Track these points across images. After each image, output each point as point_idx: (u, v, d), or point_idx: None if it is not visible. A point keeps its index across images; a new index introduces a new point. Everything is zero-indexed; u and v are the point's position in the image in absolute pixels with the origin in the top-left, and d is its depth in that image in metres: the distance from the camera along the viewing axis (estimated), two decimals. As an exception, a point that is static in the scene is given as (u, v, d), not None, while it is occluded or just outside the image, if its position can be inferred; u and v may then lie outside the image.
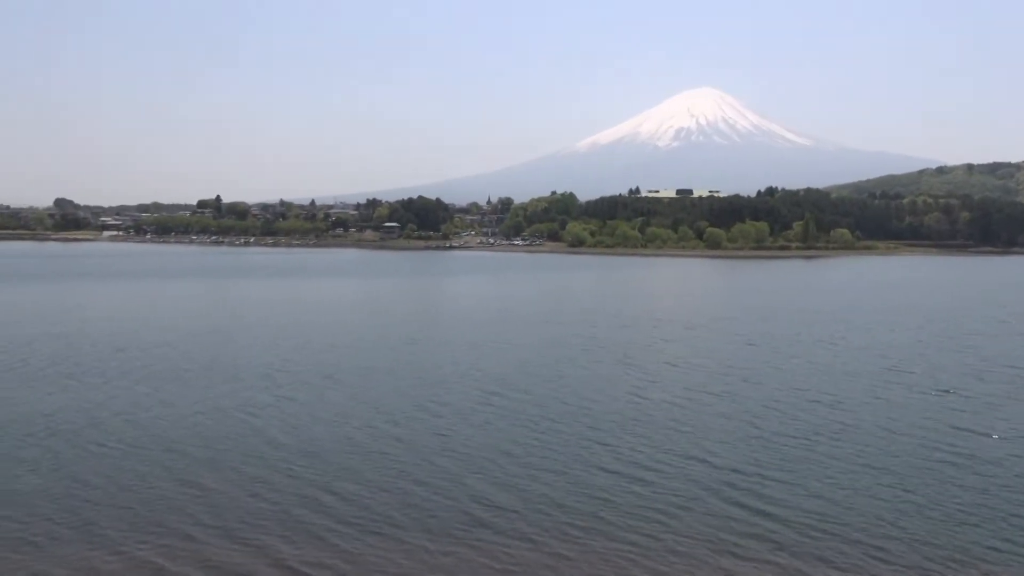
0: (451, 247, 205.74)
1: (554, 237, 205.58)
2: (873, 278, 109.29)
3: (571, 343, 44.43)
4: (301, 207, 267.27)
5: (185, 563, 15.86)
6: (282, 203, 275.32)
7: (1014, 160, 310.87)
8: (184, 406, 28.42)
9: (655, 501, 19.44)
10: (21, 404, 28.34)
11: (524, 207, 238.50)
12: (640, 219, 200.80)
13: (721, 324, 54.50)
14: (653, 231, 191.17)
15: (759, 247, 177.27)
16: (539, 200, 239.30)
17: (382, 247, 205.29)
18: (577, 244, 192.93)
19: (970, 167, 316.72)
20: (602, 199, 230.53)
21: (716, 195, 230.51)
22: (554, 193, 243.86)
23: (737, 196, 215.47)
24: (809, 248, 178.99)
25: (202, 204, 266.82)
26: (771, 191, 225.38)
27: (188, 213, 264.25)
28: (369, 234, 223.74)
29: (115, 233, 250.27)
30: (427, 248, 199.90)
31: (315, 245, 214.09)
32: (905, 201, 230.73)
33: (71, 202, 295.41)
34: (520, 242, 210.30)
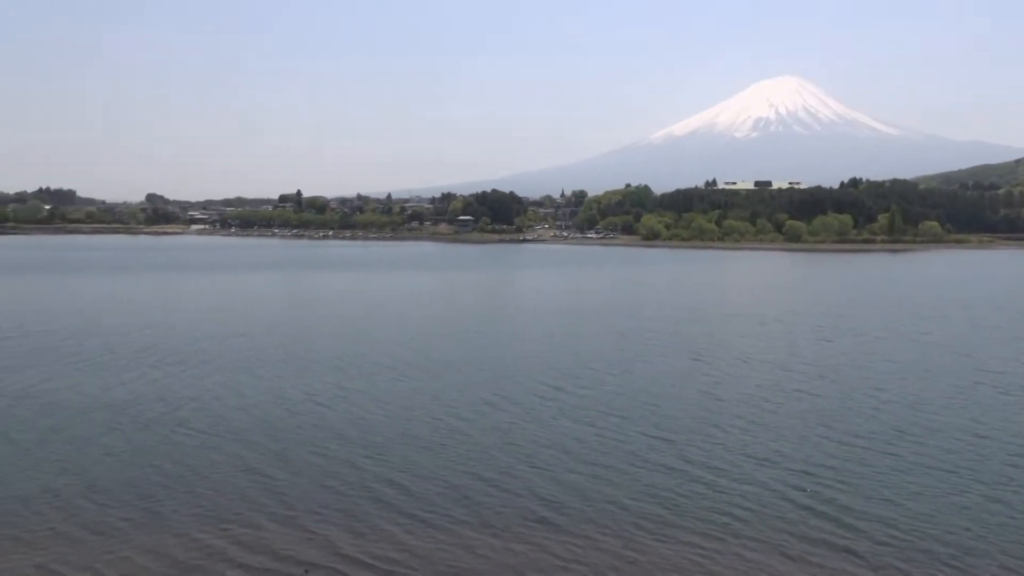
0: (525, 240, 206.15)
1: (628, 230, 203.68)
2: (963, 273, 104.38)
3: (642, 338, 43.83)
4: (378, 201, 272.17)
5: (252, 551, 16.17)
6: (359, 197, 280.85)
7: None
8: (257, 396, 29.16)
9: (722, 502, 18.88)
10: (106, 391, 29.54)
11: (598, 200, 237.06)
12: (717, 212, 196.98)
13: (799, 319, 52.89)
14: (730, 224, 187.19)
15: (842, 240, 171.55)
16: (613, 193, 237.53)
17: (456, 240, 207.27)
18: (652, 237, 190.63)
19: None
20: (677, 191, 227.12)
21: (796, 187, 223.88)
22: (628, 186, 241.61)
23: (819, 188, 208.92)
24: (895, 241, 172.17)
25: (283, 199, 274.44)
26: (855, 182, 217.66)
27: (270, 207, 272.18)
28: (444, 227, 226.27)
29: (202, 227, 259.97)
30: (501, 241, 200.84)
31: (391, 238, 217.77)
32: (1000, 192, 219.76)
33: (161, 197, 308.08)
34: (594, 235, 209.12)
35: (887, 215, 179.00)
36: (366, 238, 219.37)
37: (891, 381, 32.31)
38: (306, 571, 15.35)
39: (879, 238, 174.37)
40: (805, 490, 19.57)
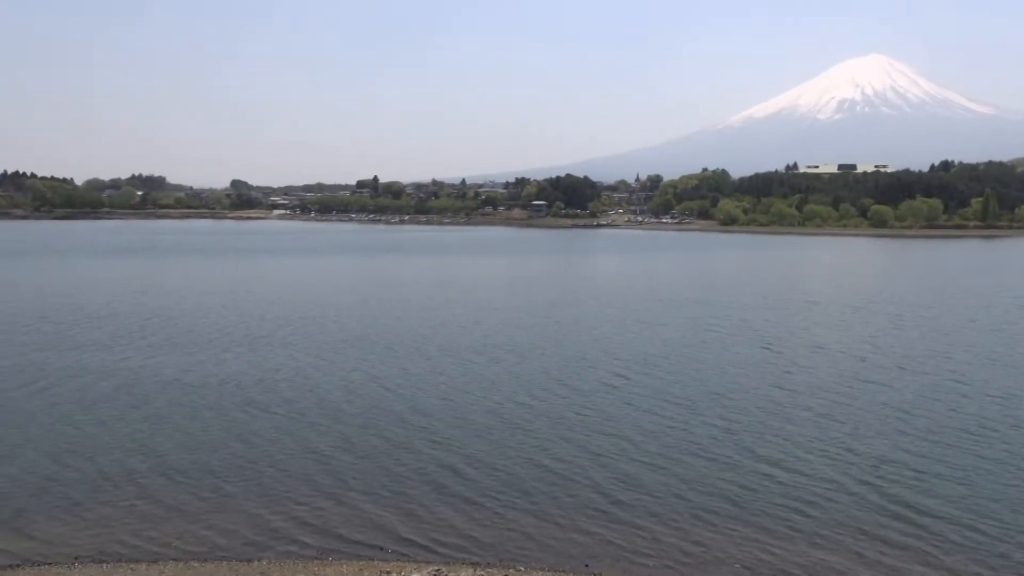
0: (598, 225, 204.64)
1: (705, 215, 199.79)
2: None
3: (713, 325, 42.92)
4: (452, 186, 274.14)
5: (316, 531, 16.50)
6: (434, 182, 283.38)
7: None
8: (341, 374, 29.87)
9: (794, 491, 18.29)
10: (183, 371, 30.63)
11: (674, 184, 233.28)
12: (797, 196, 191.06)
13: (882, 307, 50.88)
14: (811, 209, 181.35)
15: (931, 226, 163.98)
16: (689, 177, 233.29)
17: (530, 225, 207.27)
18: (729, 222, 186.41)
19: None
20: (756, 175, 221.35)
21: (883, 170, 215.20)
22: (705, 170, 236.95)
23: (906, 171, 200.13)
24: (989, 227, 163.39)
25: (361, 184, 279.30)
26: (946, 165, 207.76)
27: (348, 193, 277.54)
28: (517, 212, 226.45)
29: (283, 212, 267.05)
30: (574, 226, 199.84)
31: (465, 223, 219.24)
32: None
33: (245, 183, 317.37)
34: (669, 220, 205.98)
35: (981, 200, 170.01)
36: (440, 223, 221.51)
37: (975, 375, 30.74)
38: (387, 544, 15.65)
39: (972, 224, 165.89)
40: (878, 487, 18.74)
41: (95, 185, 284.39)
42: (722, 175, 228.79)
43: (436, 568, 14.48)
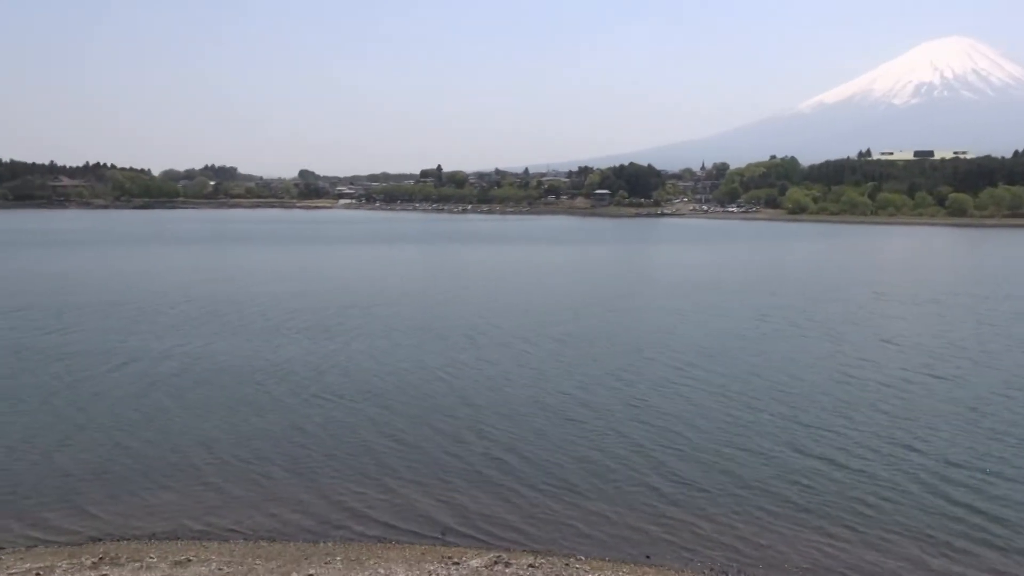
0: (662, 214, 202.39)
1: (772, 204, 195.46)
2: None
3: (780, 316, 42.09)
4: (515, 175, 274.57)
5: (385, 512, 16.85)
6: (497, 172, 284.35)
7: None
8: (395, 363, 30.28)
9: (855, 490, 17.84)
10: (259, 355, 31.60)
11: (740, 172, 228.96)
12: (870, 184, 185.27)
13: (958, 300, 49.05)
14: (885, 197, 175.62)
15: (1014, 215, 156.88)
16: (757, 165, 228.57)
17: (593, 214, 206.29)
18: (798, 211, 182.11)
19: None
20: (827, 163, 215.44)
21: (962, 156, 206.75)
22: (773, 157, 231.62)
23: (988, 157, 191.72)
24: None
25: (425, 174, 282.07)
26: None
27: (412, 182, 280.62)
28: (580, 201, 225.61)
29: (349, 201, 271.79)
30: (638, 215, 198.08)
31: (528, 212, 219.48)
32: None
33: (312, 173, 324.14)
34: (735, 209, 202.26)
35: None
36: (503, 212, 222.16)
37: (1059, 370, 29.44)
38: (443, 533, 15.95)
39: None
40: (944, 488, 18.06)
41: (171, 176, 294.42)
42: (791, 163, 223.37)
43: (496, 555, 14.66)
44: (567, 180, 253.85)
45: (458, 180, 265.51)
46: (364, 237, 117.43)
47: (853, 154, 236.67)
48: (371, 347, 33.23)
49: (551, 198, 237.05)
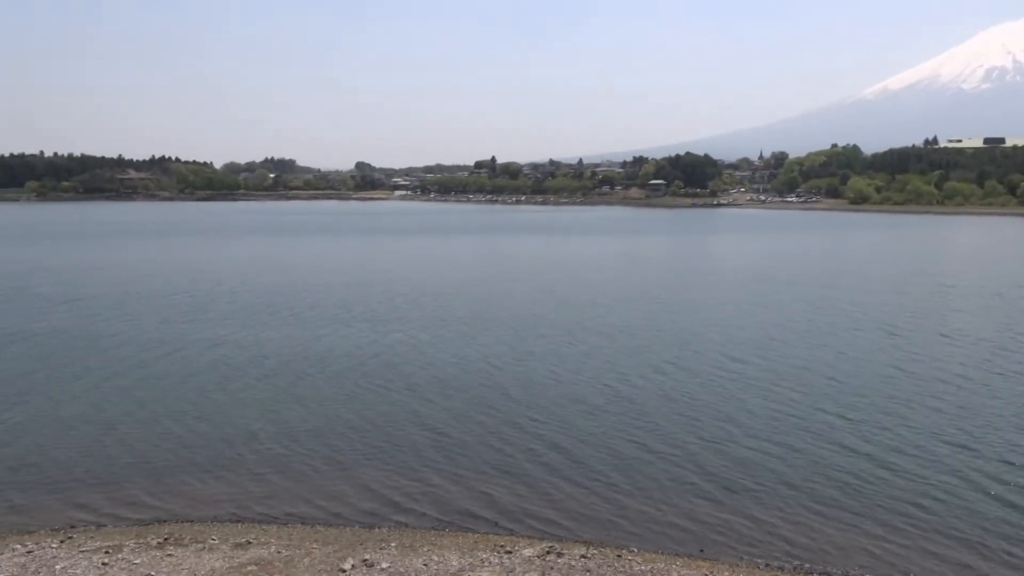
0: (719, 205, 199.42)
1: (833, 193, 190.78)
2: None
3: (836, 309, 41.16)
4: (569, 166, 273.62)
5: (421, 502, 17.12)
6: (551, 162, 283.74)
7: None
8: (436, 354, 30.54)
9: (907, 490, 17.35)
10: (305, 344, 32.25)
11: (800, 161, 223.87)
12: (936, 173, 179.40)
13: (1026, 293, 47.31)
14: (952, 186, 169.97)
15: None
16: (817, 154, 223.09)
17: (647, 205, 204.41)
18: (860, 201, 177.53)
19: None
20: (891, 151, 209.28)
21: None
22: (835, 146, 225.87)
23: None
24: None
25: (479, 165, 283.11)
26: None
27: (466, 173, 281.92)
28: (635, 192, 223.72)
29: (404, 193, 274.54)
30: (693, 206, 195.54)
31: (582, 203, 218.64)
32: None
33: (368, 165, 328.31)
34: (794, 199, 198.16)
35: None
36: (557, 203, 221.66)
37: None
38: (495, 522, 16.10)
39: None
40: (1007, 487, 17.52)
41: (232, 168, 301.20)
42: (853, 151, 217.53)
43: (549, 545, 14.75)
44: (621, 170, 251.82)
45: (512, 171, 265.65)
46: (417, 228, 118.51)
47: (919, 142, 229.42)
48: (415, 338, 33.60)
49: (605, 189, 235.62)
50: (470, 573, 13.38)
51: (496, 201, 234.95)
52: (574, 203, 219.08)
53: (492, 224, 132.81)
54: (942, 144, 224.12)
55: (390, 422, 22.34)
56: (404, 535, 15.39)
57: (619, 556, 14.32)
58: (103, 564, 13.63)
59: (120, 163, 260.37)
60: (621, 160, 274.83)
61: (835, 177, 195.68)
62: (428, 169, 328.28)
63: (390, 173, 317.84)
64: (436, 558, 14.03)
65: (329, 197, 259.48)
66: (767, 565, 14.33)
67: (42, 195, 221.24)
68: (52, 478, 18.31)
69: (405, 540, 15.05)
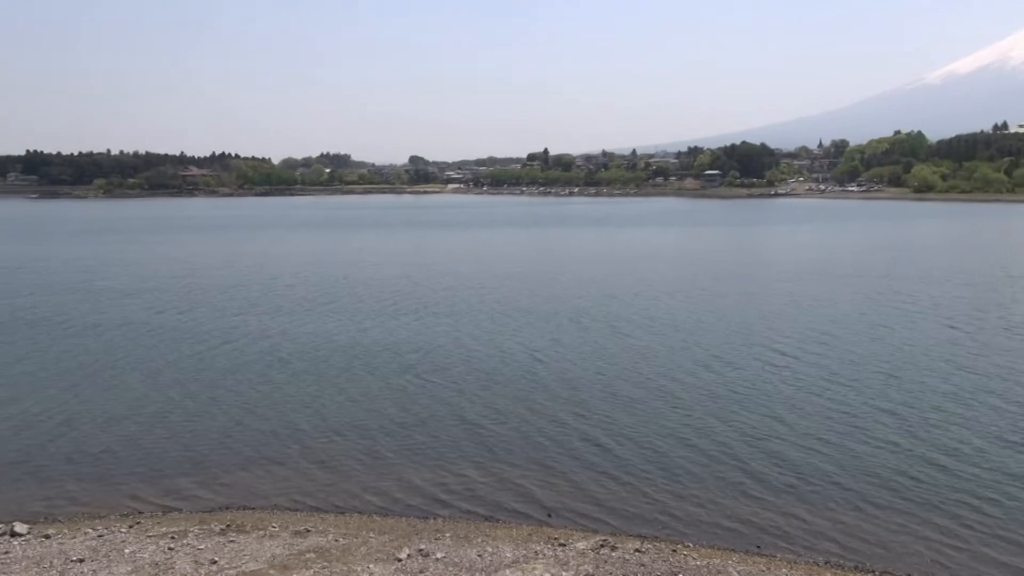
0: (776, 195, 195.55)
1: (896, 182, 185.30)
2: None
3: (899, 300, 40.00)
4: (622, 157, 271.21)
5: (502, 489, 17.31)
6: (604, 154, 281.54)
7: None
8: (479, 347, 30.67)
9: (960, 490, 16.74)
10: (366, 334, 32.73)
11: (861, 149, 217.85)
12: (1007, 160, 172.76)
13: (1102, 284, 45.26)
14: (1023, 173, 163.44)
15: None
16: (880, 141, 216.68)
17: (702, 195, 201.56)
18: (924, 190, 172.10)
19: None
20: (957, 138, 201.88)
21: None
22: (898, 132, 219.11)
23: None
24: None
25: (531, 157, 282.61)
26: None
27: (519, 166, 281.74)
28: (689, 182, 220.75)
29: (457, 186, 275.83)
30: (750, 196, 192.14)
31: (635, 194, 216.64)
32: None
33: (422, 159, 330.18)
34: (855, 188, 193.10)
35: None
36: (610, 194, 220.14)
37: None
38: (549, 515, 16.12)
39: None
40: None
41: (289, 164, 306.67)
42: (917, 138, 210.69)
43: (603, 538, 14.70)
44: (676, 161, 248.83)
45: (565, 163, 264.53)
46: (471, 221, 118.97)
47: (987, 127, 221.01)
48: (458, 330, 33.80)
49: (660, 180, 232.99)
50: (524, 565, 13.41)
51: (549, 193, 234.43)
52: (627, 194, 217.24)
53: (545, 216, 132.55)
54: (1012, 130, 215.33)
55: (438, 416, 22.49)
56: (458, 526, 15.52)
57: (674, 551, 14.20)
58: (169, 549, 14.07)
59: (182, 160, 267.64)
60: (675, 151, 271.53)
61: (898, 165, 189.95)
62: (480, 162, 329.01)
63: (443, 166, 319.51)
64: (490, 549, 14.10)
65: (383, 191, 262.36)
66: (826, 563, 14.04)
67: (109, 192, 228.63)
68: (118, 466, 18.96)
69: (459, 531, 15.17)
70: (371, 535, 14.90)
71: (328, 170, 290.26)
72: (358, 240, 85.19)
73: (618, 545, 14.34)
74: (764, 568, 13.58)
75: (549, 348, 30.42)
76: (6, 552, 14.01)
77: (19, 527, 15.04)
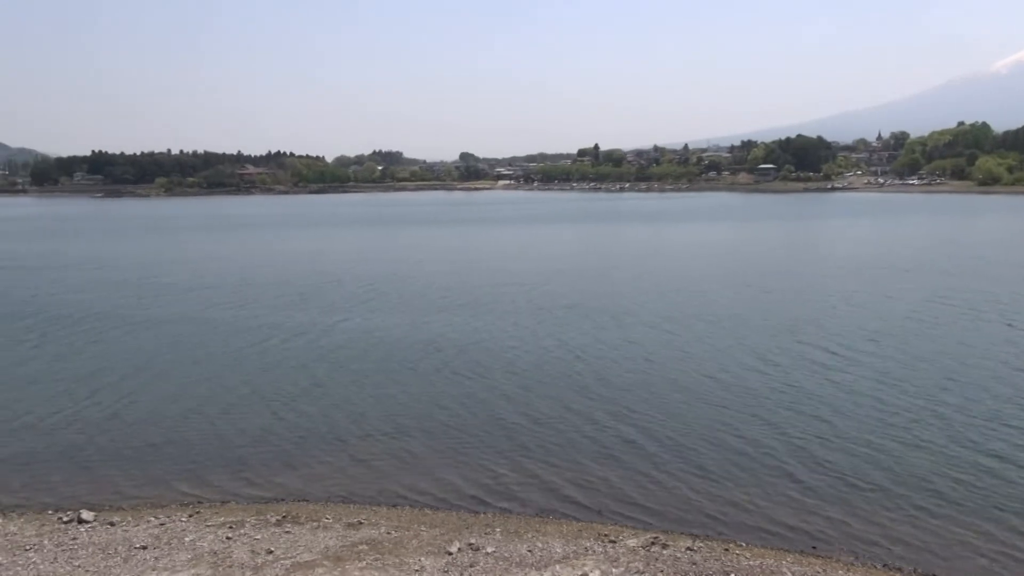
0: (832, 189, 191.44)
1: (959, 175, 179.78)
2: None
3: (957, 298, 38.68)
4: (674, 152, 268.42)
5: (519, 488, 17.29)
6: (656, 148, 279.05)
7: None
8: (534, 342, 30.63)
9: (1014, 500, 16.01)
10: (415, 330, 32.97)
11: (922, 141, 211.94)
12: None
13: None
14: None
15: None
16: (942, 133, 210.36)
17: (756, 190, 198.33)
18: (989, 182, 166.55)
19: None
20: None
21: None
22: (961, 124, 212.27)
23: None
24: None
25: (582, 152, 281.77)
26: None
27: (569, 162, 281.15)
28: (743, 177, 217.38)
29: (507, 182, 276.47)
30: (806, 190, 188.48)
31: (687, 189, 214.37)
32: None
33: (472, 155, 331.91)
34: (916, 181, 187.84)
35: None
36: (662, 190, 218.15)
37: None
38: (599, 511, 16.10)
39: None
40: None
41: (342, 161, 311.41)
42: (982, 129, 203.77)
43: (654, 536, 14.61)
44: (729, 155, 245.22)
45: (615, 158, 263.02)
46: (521, 217, 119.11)
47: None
48: (521, 325, 33.79)
49: (712, 174, 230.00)
50: (574, 560, 13.42)
51: (599, 189, 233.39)
52: (679, 189, 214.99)
53: (595, 212, 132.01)
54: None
55: (491, 409, 22.58)
56: (508, 521, 15.59)
57: (726, 550, 14.04)
58: (227, 538, 14.45)
59: (239, 159, 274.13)
60: (728, 144, 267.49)
61: (961, 157, 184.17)
62: (531, 158, 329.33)
63: (493, 163, 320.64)
64: (540, 544, 14.14)
65: (435, 188, 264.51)
66: (885, 566, 13.71)
67: (169, 190, 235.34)
68: (179, 457, 19.46)
69: (510, 526, 15.24)
70: (422, 528, 15.07)
71: (380, 167, 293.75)
72: (409, 236, 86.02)
73: (669, 543, 14.23)
74: (820, 569, 13.33)
75: (601, 342, 30.24)
76: (74, 538, 14.56)
77: (86, 514, 15.61)
